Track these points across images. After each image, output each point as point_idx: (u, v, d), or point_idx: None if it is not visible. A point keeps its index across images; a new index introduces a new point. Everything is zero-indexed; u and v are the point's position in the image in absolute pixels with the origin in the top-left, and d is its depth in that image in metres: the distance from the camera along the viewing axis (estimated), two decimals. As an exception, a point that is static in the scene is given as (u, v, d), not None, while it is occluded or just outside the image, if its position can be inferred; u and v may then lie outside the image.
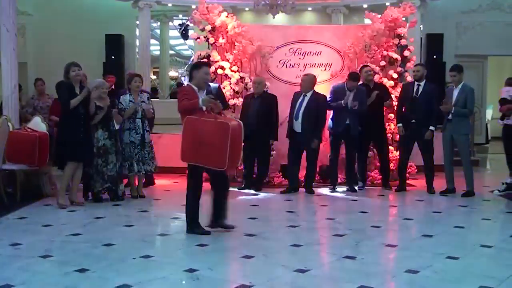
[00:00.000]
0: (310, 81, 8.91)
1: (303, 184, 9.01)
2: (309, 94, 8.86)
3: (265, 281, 4.67)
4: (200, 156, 5.91)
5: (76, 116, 7.59)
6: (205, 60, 9.74)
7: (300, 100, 8.85)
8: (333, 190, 8.92)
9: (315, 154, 8.93)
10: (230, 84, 9.70)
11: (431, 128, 8.63)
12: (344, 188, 9.07)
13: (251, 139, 8.92)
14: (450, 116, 8.50)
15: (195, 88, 6.20)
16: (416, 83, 8.82)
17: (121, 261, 5.25)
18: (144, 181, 8.75)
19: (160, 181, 9.67)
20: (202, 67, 6.32)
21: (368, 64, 9.52)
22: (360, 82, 9.00)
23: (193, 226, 6.16)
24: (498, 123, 9.92)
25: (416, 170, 9.84)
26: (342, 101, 8.73)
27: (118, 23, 14.57)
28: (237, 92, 9.71)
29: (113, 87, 10.61)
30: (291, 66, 10.07)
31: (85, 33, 14.42)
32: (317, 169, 9.53)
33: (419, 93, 8.73)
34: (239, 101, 9.55)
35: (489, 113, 16.73)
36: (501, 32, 14.66)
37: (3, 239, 5.95)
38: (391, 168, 9.47)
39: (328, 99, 9.01)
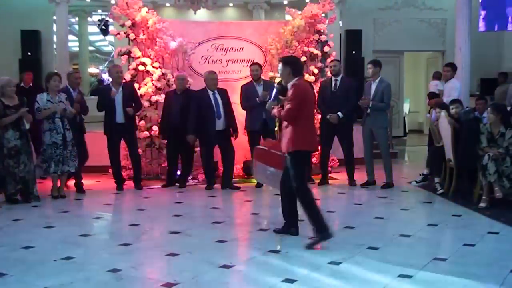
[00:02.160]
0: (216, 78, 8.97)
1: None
2: (217, 91, 8.88)
3: (190, 278, 4.66)
4: None
5: None
6: (125, 56, 9.64)
7: (213, 98, 8.83)
8: (258, 185, 8.95)
9: (233, 150, 8.99)
10: (152, 80, 9.59)
11: (339, 113, 8.78)
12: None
13: (174, 136, 8.89)
14: (368, 111, 8.73)
15: None
16: (333, 78, 9.00)
17: (41, 264, 5.12)
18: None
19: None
20: None
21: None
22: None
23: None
24: (426, 116, 10.24)
25: (337, 164, 10.04)
26: (257, 99, 8.79)
27: (34, 18, 14.10)
28: (159, 89, 9.60)
29: (31, 84, 10.30)
30: (213, 62, 10.06)
31: (-2, 28, 13.90)
32: (242, 165, 9.63)
33: (337, 87, 8.92)
34: (161, 97, 9.44)
35: (406, 107, 17.25)
36: (416, 28, 15.15)
37: None
38: (314, 162, 9.62)
39: (241, 100, 9.10)
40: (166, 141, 9.29)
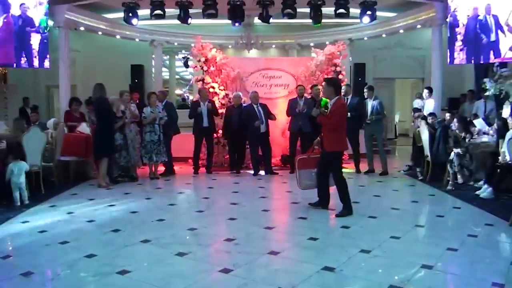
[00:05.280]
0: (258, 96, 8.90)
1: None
2: (259, 105, 8.82)
3: (244, 236, 4.70)
4: None
5: (111, 124, 7.57)
6: (200, 82, 9.75)
7: (257, 110, 8.77)
8: (292, 172, 8.86)
9: (270, 147, 8.95)
10: (219, 99, 9.69)
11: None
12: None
13: (234, 137, 8.93)
14: (368, 120, 8.63)
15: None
16: (344, 97, 8.81)
17: (143, 223, 5.24)
18: (164, 171, 8.78)
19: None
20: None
21: (317, 84, 9.47)
22: (309, 97, 9.07)
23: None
24: (411, 124, 10.02)
25: (347, 157, 9.90)
26: (297, 109, 8.73)
27: (140, 56, 14.37)
28: (223, 105, 9.67)
29: (137, 101, 10.50)
30: (261, 85, 10.05)
31: (117, 63, 14.21)
32: (280, 157, 9.63)
33: (348, 104, 8.75)
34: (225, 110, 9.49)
35: (397, 117, 16.92)
36: (404, 62, 14.84)
37: (61, 209, 5.92)
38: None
39: (287, 109, 9.01)
40: (226, 140, 9.37)
